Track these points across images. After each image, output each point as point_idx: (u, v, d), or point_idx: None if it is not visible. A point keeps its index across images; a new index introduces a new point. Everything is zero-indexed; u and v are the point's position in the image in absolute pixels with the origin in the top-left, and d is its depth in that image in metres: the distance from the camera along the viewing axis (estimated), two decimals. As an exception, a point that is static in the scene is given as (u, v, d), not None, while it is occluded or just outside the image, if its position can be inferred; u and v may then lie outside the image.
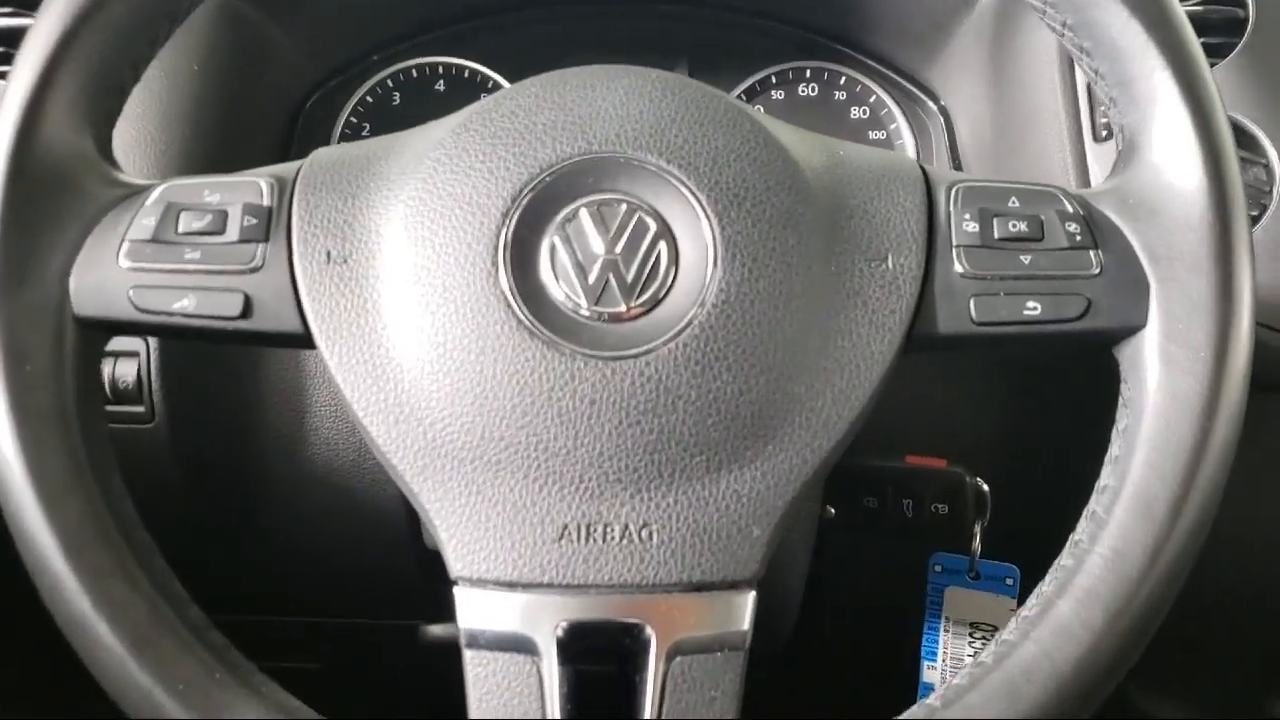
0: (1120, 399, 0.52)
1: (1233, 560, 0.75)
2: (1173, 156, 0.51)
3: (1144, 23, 0.52)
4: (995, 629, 0.74)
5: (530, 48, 0.94)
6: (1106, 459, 0.51)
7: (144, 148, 0.77)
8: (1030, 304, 0.51)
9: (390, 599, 0.87)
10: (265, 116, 0.88)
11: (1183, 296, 0.50)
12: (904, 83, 0.93)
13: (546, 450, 0.48)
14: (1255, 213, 0.71)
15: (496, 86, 0.94)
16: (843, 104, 0.94)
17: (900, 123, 0.93)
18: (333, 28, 0.90)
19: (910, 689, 0.76)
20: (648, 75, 0.54)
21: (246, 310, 0.52)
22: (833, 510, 0.74)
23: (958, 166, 0.89)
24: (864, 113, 0.94)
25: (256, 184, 0.53)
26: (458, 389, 0.49)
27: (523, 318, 0.49)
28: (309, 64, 0.91)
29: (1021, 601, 0.74)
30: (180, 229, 0.52)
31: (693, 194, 0.51)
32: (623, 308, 0.49)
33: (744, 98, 0.94)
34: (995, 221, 0.52)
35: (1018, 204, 0.53)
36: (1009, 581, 0.73)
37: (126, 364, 0.74)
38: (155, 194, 0.53)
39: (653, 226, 0.50)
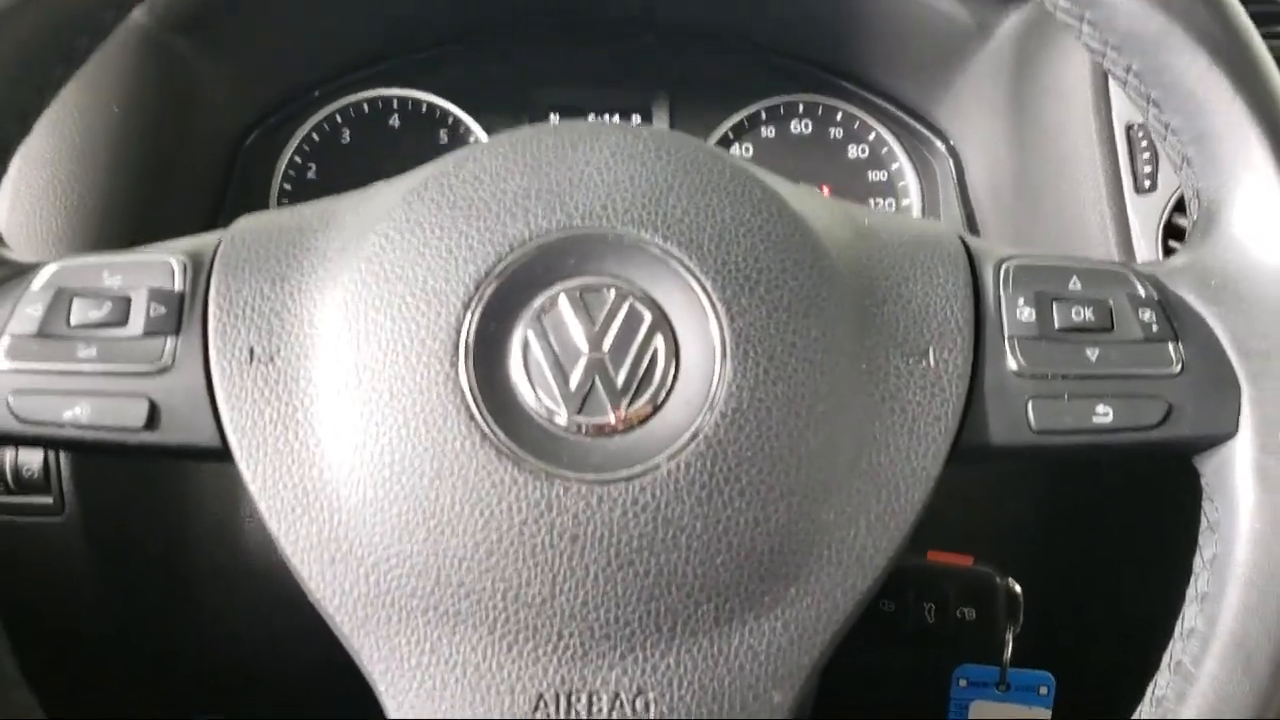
0: (1204, 519, 0.44)
1: None
2: (1262, 230, 0.44)
3: (1228, 72, 0.44)
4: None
5: (493, 80, 0.87)
6: (1190, 593, 0.43)
7: (54, 202, 0.68)
8: (1100, 409, 0.43)
9: (329, 696, 0.79)
10: (197, 160, 0.80)
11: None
12: (908, 119, 0.85)
13: (518, 599, 0.39)
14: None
15: (457, 122, 0.86)
16: (839, 142, 0.87)
17: (903, 163, 0.85)
18: (272, 59, 0.82)
19: None
20: (638, 133, 0.46)
21: (152, 420, 0.43)
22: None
23: (970, 216, 0.81)
24: (863, 151, 0.86)
25: (166, 263, 0.44)
26: (408, 522, 0.40)
27: (488, 431, 0.40)
28: (245, 99, 0.83)
29: (1056, 714, 0.66)
30: (73, 320, 0.43)
31: (695, 277, 0.42)
32: (611, 418, 0.41)
33: (731, 135, 0.86)
34: (1055, 307, 0.44)
35: (1080, 286, 0.45)
36: (1043, 691, 0.65)
37: (30, 450, 0.65)
38: (43, 276, 0.44)
39: (647, 317, 0.42)
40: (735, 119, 0.86)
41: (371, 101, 0.86)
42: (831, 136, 0.87)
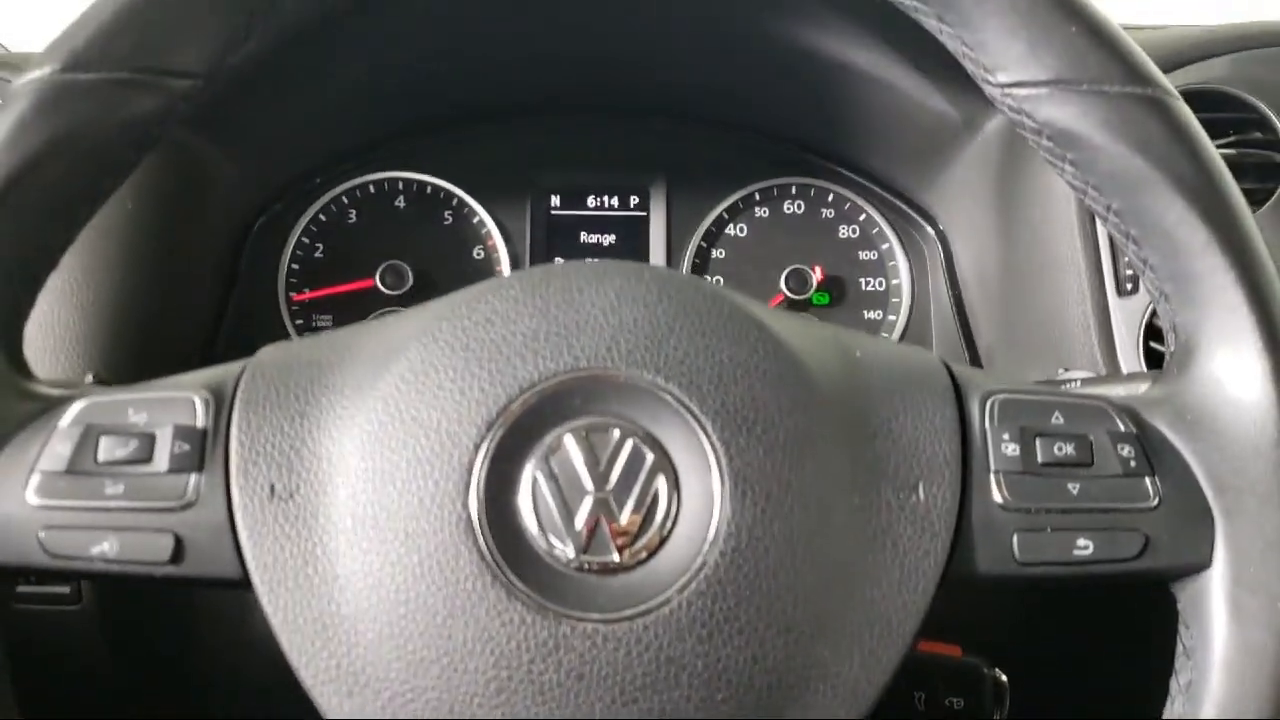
0: (1180, 644, 0.46)
1: None
2: (1236, 368, 0.46)
3: (1203, 215, 0.46)
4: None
5: (496, 162, 0.89)
6: (1166, 715, 0.45)
7: (70, 299, 0.70)
8: (1081, 541, 0.45)
9: None
10: (207, 245, 0.81)
11: (1254, 534, 0.44)
12: (898, 203, 0.87)
13: None
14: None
15: (461, 203, 0.88)
16: (831, 221, 0.89)
17: (894, 244, 0.87)
18: (280, 145, 0.84)
19: None
20: (641, 274, 0.47)
21: (177, 554, 0.44)
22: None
23: (958, 298, 0.83)
24: (854, 231, 0.88)
25: (190, 400, 0.46)
26: (422, 658, 0.42)
27: (498, 572, 0.42)
28: (254, 184, 0.85)
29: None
30: (100, 457, 0.45)
31: (695, 417, 0.44)
32: (615, 557, 0.43)
33: (726, 215, 0.88)
34: (1039, 443, 0.46)
35: (1062, 421, 0.47)
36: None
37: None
38: (72, 412, 0.46)
39: (650, 457, 0.44)
40: (730, 200, 0.89)
41: (378, 183, 0.88)
42: (823, 217, 0.89)
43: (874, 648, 0.44)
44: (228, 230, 0.84)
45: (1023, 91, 0.48)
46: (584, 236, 0.89)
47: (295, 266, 0.87)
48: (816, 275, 0.86)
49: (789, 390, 0.45)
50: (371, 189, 0.88)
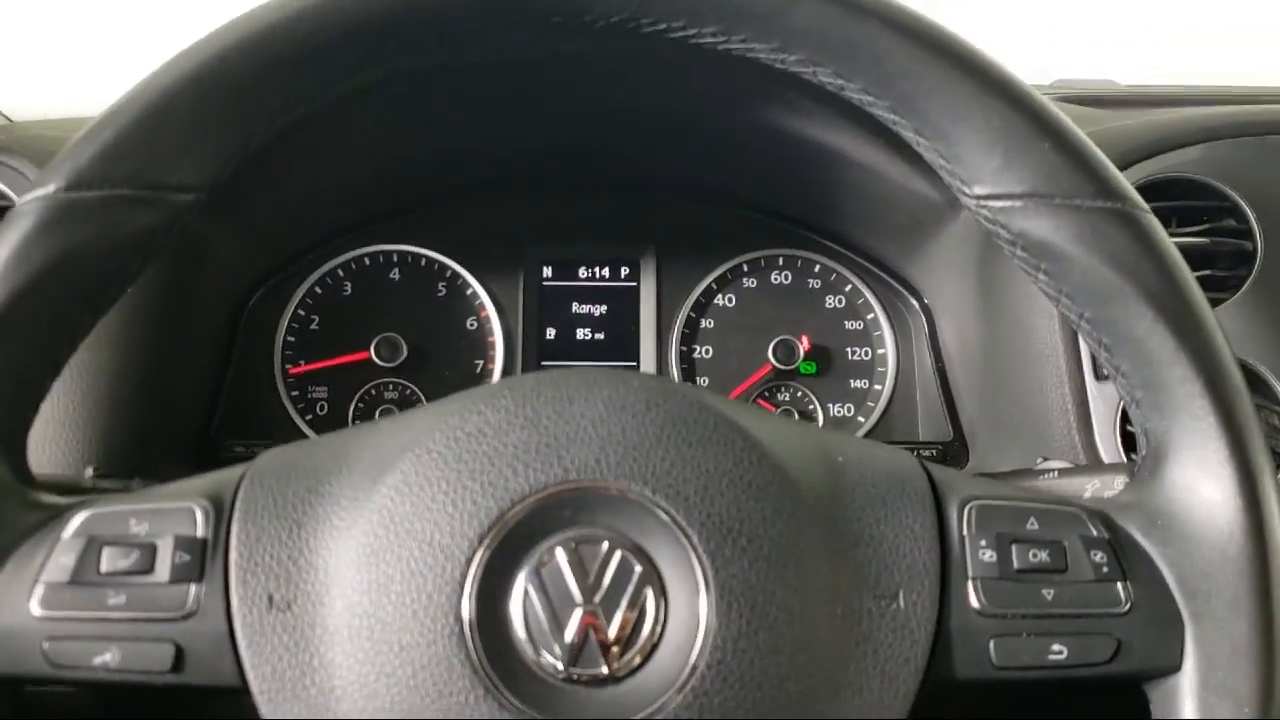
0: None
1: None
2: (1205, 477, 0.47)
3: (1171, 326, 0.47)
4: None
5: (489, 235, 0.91)
6: None
7: (68, 383, 0.71)
8: (1055, 646, 0.46)
9: None
10: (205, 321, 0.83)
11: (1223, 639, 0.46)
12: (884, 275, 0.89)
13: None
14: None
15: (455, 275, 0.89)
16: (818, 292, 0.90)
17: (879, 315, 0.89)
18: (277, 221, 0.85)
19: None
20: (629, 383, 0.49)
21: (178, 663, 0.45)
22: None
23: (942, 370, 0.85)
24: (840, 302, 0.90)
25: (190, 510, 0.47)
26: None
27: (490, 684, 0.43)
28: (250, 260, 0.86)
29: None
30: (103, 568, 0.46)
31: (681, 529, 0.45)
32: (604, 669, 0.44)
33: (715, 286, 0.90)
34: (1015, 549, 0.47)
35: (1037, 527, 0.48)
36: None
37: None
38: (74, 524, 0.47)
39: (638, 569, 0.45)
40: (719, 270, 0.90)
41: (372, 256, 0.90)
42: (810, 287, 0.90)
43: None
44: (224, 306, 0.85)
45: (998, 204, 0.50)
46: (576, 307, 0.91)
47: (291, 339, 0.88)
48: (804, 345, 0.88)
49: (773, 500, 0.46)
50: (366, 261, 0.89)
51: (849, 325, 0.90)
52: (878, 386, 0.88)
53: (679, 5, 0.51)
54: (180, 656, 0.45)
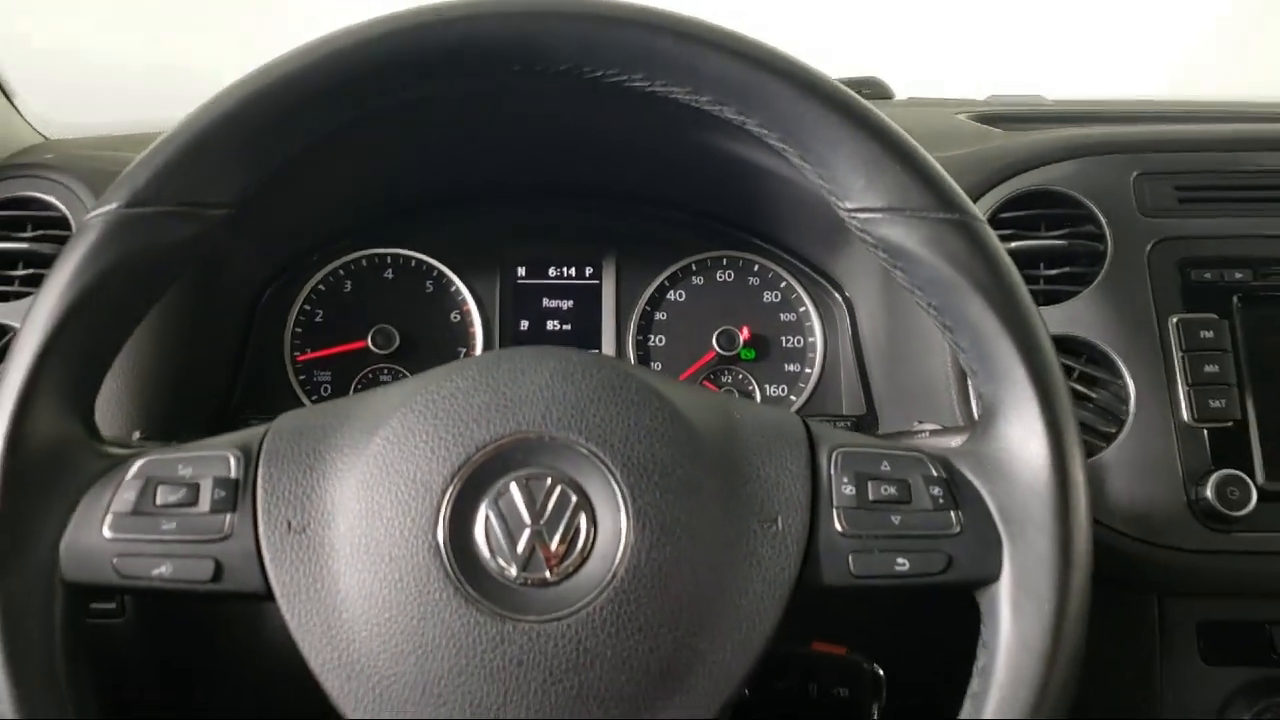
0: (980, 638, 0.59)
1: None
2: (1023, 431, 0.59)
3: (997, 312, 0.59)
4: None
5: (471, 239, 1.02)
6: (968, 693, 0.58)
7: (118, 365, 0.82)
8: (900, 560, 0.58)
9: None
10: (224, 315, 0.94)
11: (1031, 555, 0.57)
12: (812, 273, 1.01)
13: (480, 706, 0.54)
14: (1114, 429, 0.79)
15: (440, 274, 1.01)
16: (757, 288, 1.02)
17: (809, 308, 1.00)
18: (286, 229, 0.96)
19: None
20: (570, 357, 0.61)
21: (217, 575, 0.58)
22: (747, 691, 0.80)
23: (860, 354, 0.97)
24: (776, 296, 1.02)
25: (225, 458, 0.59)
26: (402, 650, 0.55)
27: (459, 584, 0.55)
28: (263, 262, 0.97)
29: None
30: (158, 502, 0.58)
31: (608, 469, 0.57)
32: (547, 574, 0.56)
33: (667, 283, 1.01)
34: (870, 485, 0.59)
35: (889, 468, 0.60)
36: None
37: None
38: (134, 468, 0.59)
39: (574, 499, 0.57)
40: (671, 269, 1.02)
41: (369, 258, 1.01)
42: (750, 284, 1.02)
43: (741, 641, 0.57)
44: (241, 302, 0.97)
45: (864, 215, 0.62)
46: (546, 302, 1.02)
47: (299, 330, 1.00)
48: (744, 334, 1.00)
49: (680, 446, 0.59)
50: (364, 263, 1.01)
51: (783, 317, 1.01)
52: (808, 370, 1.00)
53: (611, 57, 0.63)
54: (219, 569, 0.58)
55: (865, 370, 0.96)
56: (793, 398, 1.00)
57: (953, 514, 0.59)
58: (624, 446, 0.58)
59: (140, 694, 0.83)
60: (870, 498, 0.59)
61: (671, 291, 1.02)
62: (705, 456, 0.59)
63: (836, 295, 1.00)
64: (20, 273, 0.88)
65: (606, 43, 0.62)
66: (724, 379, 1.01)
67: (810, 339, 1.01)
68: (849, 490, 0.59)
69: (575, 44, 0.62)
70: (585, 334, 1.02)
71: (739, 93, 0.62)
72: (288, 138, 0.63)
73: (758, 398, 1.00)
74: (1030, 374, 0.59)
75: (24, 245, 0.89)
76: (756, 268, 1.02)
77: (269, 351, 0.99)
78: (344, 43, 0.62)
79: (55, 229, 0.89)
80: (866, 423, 0.94)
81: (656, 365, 1.01)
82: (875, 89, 1.51)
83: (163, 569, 0.57)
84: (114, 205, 0.60)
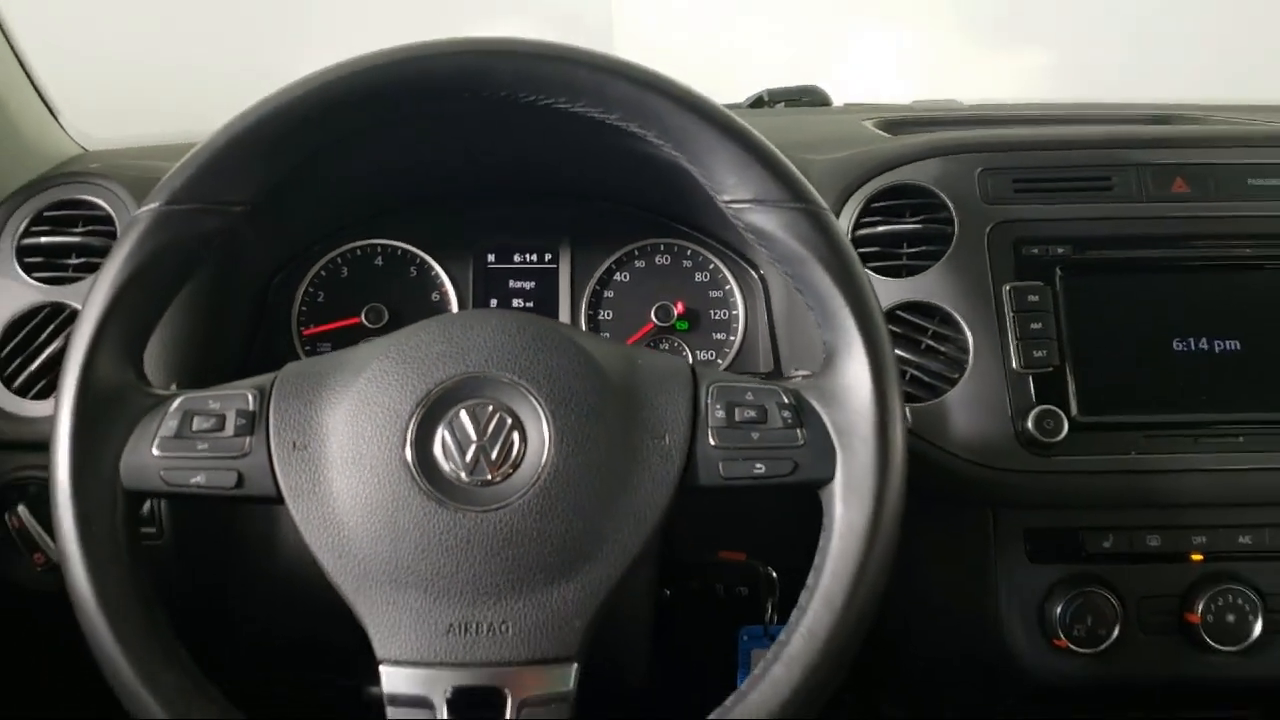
0: (823, 525, 0.76)
1: (923, 616, 1.00)
2: (853, 368, 0.75)
3: (835, 279, 0.75)
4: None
5: (449, 231, 1.16)
6: (812, 566, 0.75)
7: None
8: (758, 465, 0.74)
9: (336, 667, 1.08)
10: (241, 296, 1.10)
11: (856, 460, 0.73)
12: (733, 255, 1.17)
13: (438, 574, 0.71)
14: (957, 375, 0.96)
15: (423, 262, 1.15)
16: (690, 269, 1.17)
17: (733, 285, 1.16)
18: (293, 224, 1.12)
19: None
20: (507, 316, 0.78)
21: (239, 483, 0.74)
22: (668, 592, 0.98)
23: (772, 325, 1.12)
24: (706, 276, 1.17)
25: (245, 394, 0.76)
26: (380, 535, 0.72)
27: (422, 486, 0.72)
28: (273, 252, 1.13)
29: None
30: (193, 428, 0.75)
31: (535, 399, 0.74)
32: (489, 476, 0.73)
33: (614, 266, 1.16)
34: (736, 410, 0.75)
35: (751, 397, 0.75)
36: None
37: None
38: (175, 404, 0.76)
39: (509, 421, 0.74)
40: (617, 254, 1.15)
41: (363, 248, 1.15)
42: (683, 266, 1.16)
43: (635, 525, 0.72)
44: (256, 285, 1.12)
45: (736, 205, 0.79)
46: (511, 283, 1.16)
47: (304, 309, 1.14)
48: (678, 308, 1.14)
49: (591, 382, 0.75)
50: (358, 252, 1.15)
51: (711, 294, 1.15)
52: (732, 338, 1.15)
53: (540, 85, 0.79)
54: (240, 479, 0.74)
55: (775, 337, 1.13)
56: (719, 361, 1.16)
57: (798, 431, 0.75)
58: (547, 382, 0.75)
59: (180, 607, 1.00)
60: (736, 419, 0.75)
61: (617, 273, 1.16)
62: (611, 389, 0.76)
63: (754, 274, 1.16)
64: (74, 262, 1.05)
65: (535, 74, 0.78)
66: (662, 346, 1.15)
67: (734, 311, 1.16)
68: (720, 414, 0.76)
69: (511, 75, 0.79)
70: (545, 310, 1.16)
71: (638, 111, 0.79)
72: (293, 150, 0.80)
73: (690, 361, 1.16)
74: (859, 326, 0.75)
75: (76, 239, 1.06)
76: (689, 252, 1.17)
77: (279, 326, 1.14)
78: (332, 75, 0.79)
79: (102, 225, 1.06)
80: (773, 378, 1.11)
81: (605, 334, 1.17)
82: (815, 96, 1.69)
83: (198, 478, 0.74)
84: (157, 204, 0.77)
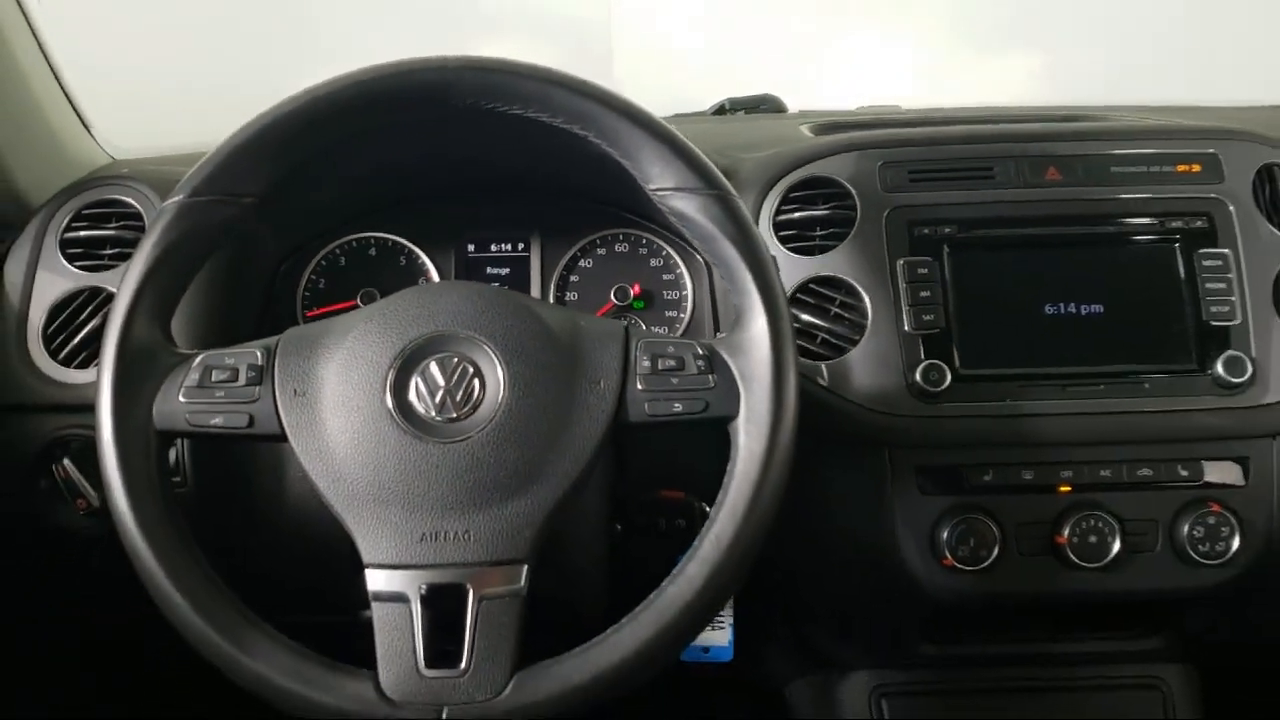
0: (730, 455, 0.90)
1: (836, 546, 1.15)
2: (756, 325, 0.88)
3: (741, 253, 0.89)
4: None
5: (434, 225, 1.29)
6: (721, 488, 0.89)
7: (183, 309, 1.13)
8: (676, 405, 0.88)
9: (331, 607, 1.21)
10: (254, 281, 1.24)
11: (756, 399, 0.87)
12: (682, 243, 1.30)
13: (413, 494, 0.85)
14: (859, 336, 1.11)
15: (411, 252, 1.27)
16: (645, 256, 1.29)
17: (683, 269, 1.30)
18: (298, 219, 1.25)
19: None
20: (471, 287, 0.93)
21: (250, 424, 0.88)
22: (619, 526, 1.12)
23: (714, 303, 1.26)
24: (659, 261, 1.29)
25: (254, 352, 0.90)
26: (365, 463, 0.86)
27: (400, 423, 0.87)
28: (280, 243, 1.26)
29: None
30: (212, 379, 0.89)
31: (494, 353, 0.88)
32: (454, 415, 0.87)
33: (579, 254, 1.28)
34: (659, 360, 0.89)
35: (672, 350, 0.89)
36: (727, 568, 1.12)
37: (171, 453, 1.12)
38: (197, 360, 0.90)
39: (471, 370, 0.88)
40: (581, 243, 1.27)
41: (358, 240, 1.28)
42: (640, 253, 1.28)
43: (574, 455, 0.86)
44: (266, 272, 1.25)
45: (660, 192, 0.93)
46: (489, 270, 1.28)
47: (307, 293, 1.27)
48: (634, 290, 1.26)
49: (540, 339, 0.89)
50: (354, 244, 1.28)
51: (664, 277, 1.25)
52: (682, 315, 1.27)
53: (496, 95, 0.93)
54: (251, 420, 0.88)
55: (718, 314, 1.27)
56: (711, 339, 1.29)
57: (710, 376, 0.88)
58: (503, 338, 0.89)
59: (203, 547, 1.14)
60: (659, 368, 0.89)
61: (581, 260, 1.27)
62: (556, 344, 0.90)
63: (700, 259, 1.30)
64: (109, 252, 1.21)
65: (492, 85, 0.93)
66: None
67: (684, 292, 1.28)
68: (646, 364, 0.89)
69: (472, 87, 0.93)
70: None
71: (578, 115, 0.93)
72: (294, 151, 0.94)
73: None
74: (761, 292, 0.89)
75: (111, 232, 1.21)
76: (644, 241, 1.29)
77: (286, 308, 1.25)
78: (324, 89, 0.93)
79: (132, 220, 1.21)
80: None
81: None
82: (772, 104, 1.84)
83: (216, 420, 0.88)
84: (180, 197, 0.92)
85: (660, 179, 0.92)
